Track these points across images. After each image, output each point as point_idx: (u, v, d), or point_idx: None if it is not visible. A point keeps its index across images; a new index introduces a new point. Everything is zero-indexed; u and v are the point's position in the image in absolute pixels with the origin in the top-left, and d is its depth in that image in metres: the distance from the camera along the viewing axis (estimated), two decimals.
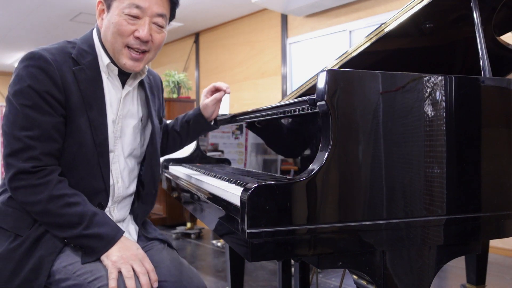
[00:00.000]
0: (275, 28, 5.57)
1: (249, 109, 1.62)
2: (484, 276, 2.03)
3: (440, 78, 1.10)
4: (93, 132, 1.24)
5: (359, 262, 1.05)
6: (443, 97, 1.10)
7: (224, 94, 1.57)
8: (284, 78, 5.45)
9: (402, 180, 1.05)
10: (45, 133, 1.16)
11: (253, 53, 5.90)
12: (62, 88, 1.18)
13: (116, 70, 1.30)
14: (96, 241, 1.16)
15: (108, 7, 1.24)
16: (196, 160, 2.12)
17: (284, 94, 5.43)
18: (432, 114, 1.09)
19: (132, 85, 1.35)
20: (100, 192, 1.28)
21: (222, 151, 1.99)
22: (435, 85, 1.10)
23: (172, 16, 1.37)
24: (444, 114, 1.10)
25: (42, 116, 1.16)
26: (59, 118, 1.19)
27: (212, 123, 1.64)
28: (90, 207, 1.19)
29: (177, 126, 1.67)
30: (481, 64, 1.32)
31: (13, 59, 8.96)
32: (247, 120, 1.64)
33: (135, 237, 1.41)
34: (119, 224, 1.34)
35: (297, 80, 5.35)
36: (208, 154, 2.10)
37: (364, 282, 1.24)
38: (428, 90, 1.09)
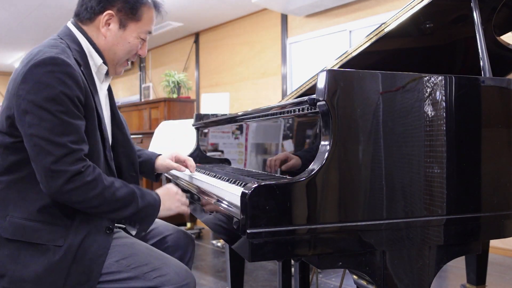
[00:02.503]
0: (275, 28, 5.57)
1: (249, 109, 1.62)
2: (484, 276, 2.03)
3: (440, 78, 1.10)
4: (103, 129, 1.31)
5: (359, 262, 1.05)
6: (443, 97, 1.10)
7: (184, 171, 1.70)
8: (284, 78, 5.44)
9: (402, 180, 1.05)
10: (81, 136, 1.21)
11: (253, 53, 5.90)
12: (84, 91, 1.23)
13: (105, 69, 1.38)
14: (151, 209, 1.32)
15: (124, 26, 1.35)
16: (196, 160, 2.12)
17: (284, 94, 5.42)
18: (432, 114, 1.09)
19: (108, 81, 1.46)
20: None
21: (222, 151, 1.99)
22: (435, 85, 1.10)
23: None
24: (444, 114, 1.10)
25: (76, 121, 1.19)
26: (84, 120, 1.23)
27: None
28: (128, 184, 1.31)
29: None
30: (481, 64, 1.32)
31: (13, 59, 8.95)
32: (247, 120, 1.64)
33: None
34: None
35: (297, 80, 5.35)
36: (208, 154, 2.10)
37: (364, 282, 1.24)
38: (428, 90, 1.09)
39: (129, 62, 1.44)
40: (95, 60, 1.34)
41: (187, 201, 1.46)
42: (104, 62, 1.37)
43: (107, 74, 1.42)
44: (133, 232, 1.50)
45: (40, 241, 1.19)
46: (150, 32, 1.40)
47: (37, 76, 1.15)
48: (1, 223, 1.21)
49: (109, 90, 1.49)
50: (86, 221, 1.25)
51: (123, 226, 1.48)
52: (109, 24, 1.34)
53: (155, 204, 1.34)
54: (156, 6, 1.42)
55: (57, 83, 1.15)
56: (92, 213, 1.24)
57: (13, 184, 1.22)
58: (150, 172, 1.69)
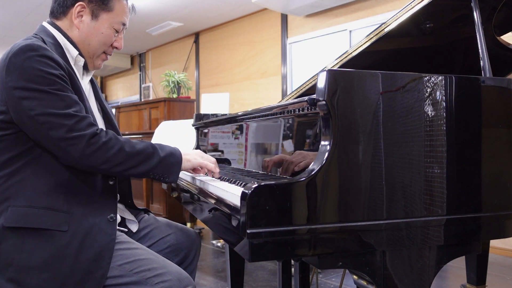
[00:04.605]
0: (275, 28, 5.57)
1: (249, 109, 1.62)
2: (484, 276, 2.02)
3: (440, 78, 1.10)
4: (92, 116, 1.31)
5: (359, 262, 1.05)
6: (443, 97, 1.10)
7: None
8: (284, 78, 5.44)
9: (402, 180, 1.05)
10: (82, 106, 1.25)
11: (253, 53, 5.90)
12: (66, 72, 1.26)
13: (82, 61, 1.41)
14: (172, 157, 1.33)
15: (96, 16, 1.39)
16: None
17: (284, 94, 5.42)
18: (432, 114, 1.09)
19: (90, 74, 1.48)
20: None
21: (222, 151, 1.98)
22: (435, 85, 1.10)
23: None
24: (444, 114, 1.10)
25: (72, 95, 1.23)
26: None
27: None
28: (143, 140, 1.33)
29: None
30: (481, 64, 1.32)
31: None
32: (247, 120, 1.64)
33: (126, 212, 1.52)
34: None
35: (297, 80, 5.35)
36: (208, 154, 2.10)
37: (364, 282, 1.24)
38: (428, 90, 1.09)
39: (107, 56, 1.47)
40: (71, 52, 1.37)
41: (212, 158, 1.45)
42: (81, 54, 1.40)
43: (86, 69, 1.44)
44: (134, 229, 1.51)
45: (44, 226, 1.19)
46: (124, 24, 1.44)
47: (18, 64, 1.18)
48: (4, 215, 1.21)
49: (93, 84, 1.50)
50: (90, 209, 1.26)
51: (125, 229, 1.48)
52: (81, 16, 1.38)
53: (176, 152, 1.35)
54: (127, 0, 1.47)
55: (40, 65, 1.19)
56: (121, 173, 1.26)
57: (10, 177, 1.22)
58: None
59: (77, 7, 1.37)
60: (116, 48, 1.46)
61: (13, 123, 1.21)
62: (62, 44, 1.36)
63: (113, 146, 1.22)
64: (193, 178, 1.61)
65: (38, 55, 1.19)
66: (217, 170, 1.44)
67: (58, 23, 1.39)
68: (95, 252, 1.21)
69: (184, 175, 1.76)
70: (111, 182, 1.34)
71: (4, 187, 1.22)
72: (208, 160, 1.44)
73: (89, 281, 1.19)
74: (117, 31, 1.43)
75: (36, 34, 1.33)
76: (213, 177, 1.48)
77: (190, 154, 1.41)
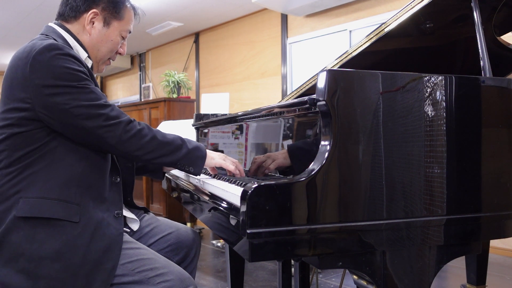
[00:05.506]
0: (275, 28, 5.56)
1: (249, 109, 1.62)
2: (484, 277, 2.02)
3: (440, 78, 1.10)
4: None
5: (359, 262, 1.05)
6: (443, 97, 1.10)
7: None
8: (284, 78, 5.44)
9: (402, 180, 1.05)
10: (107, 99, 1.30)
11: (253, 53, 5.90)
12: (87, 70, 1.29)
13: (90, 63, 1.44)
14: (198, 150, 1.39)
15: (108, 24, 1.42)
16: None
17: (284, 94, 5.42)
18: (432, 114, 1.09)
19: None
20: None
21: (222, 151, 1.98)
22: (435, 85, 1.10)
23: None
24: (444, 114, 1.10)
25: (97, 88, 1.28)
26: None
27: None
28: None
29: None
30: (481, 64, 1.32)
31: None
32: (247, 120, 1.64)
33: (126, 210, 1.52)
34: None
35: (297, 80, 5.35)
36: None
37: (364, 282, 1.24)
38: (428, 90, 1.09)
39: (111, 61, 1.52)
40: (80, 54, 1.39)
41: (234, 160, 1.48)
42: (89, 57, 1.42)
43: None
44: (135, 227, 1.50)
45: (56, 216, 1.20)
46: (130, 32, 1.50)
47: (44, 62, 1.19)
48: (15, 207, 1.20)
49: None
50: (99, 204, 1.27)
51: (128, 230, 1.48)
52: (93, 22, 1.40)
53: (201, 147, 1.40)
54: (134, 8, 1.51)
55: (66, 63, 1.21)
56: (152, 161, 1.30)
57: (22, 171, 1.22)
58: (157, 169, 1.74)
59: (90, 14, 1.39)
60: (120, 54, 1.51)
61: (35, 119, 1.21)
62: (72, 46, 1.37)
63: (147, 134, 1.28)
64: (196, 179, 1.61)
65: (63, 53, 1.22)
66: (237, 172, 1.46)
67: (68, 26, 1.40)
68: (105, 243, 1.22)
69: (183, 175, 1.76)
70: (117, 180, 1.35)
71: (16, 181, 1.22)
72: (230, 162, 1.47)
73: (100, 272, 1.20)
74: (123, 38, 1.48)
75: (47, 35, 1.33)
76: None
77: (214, 153, 1.47)
